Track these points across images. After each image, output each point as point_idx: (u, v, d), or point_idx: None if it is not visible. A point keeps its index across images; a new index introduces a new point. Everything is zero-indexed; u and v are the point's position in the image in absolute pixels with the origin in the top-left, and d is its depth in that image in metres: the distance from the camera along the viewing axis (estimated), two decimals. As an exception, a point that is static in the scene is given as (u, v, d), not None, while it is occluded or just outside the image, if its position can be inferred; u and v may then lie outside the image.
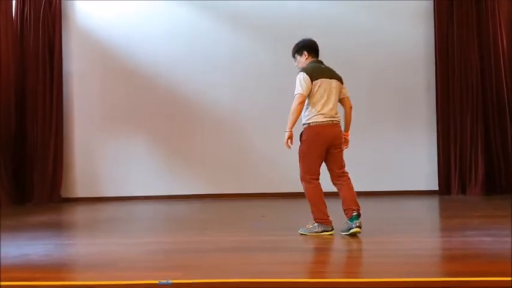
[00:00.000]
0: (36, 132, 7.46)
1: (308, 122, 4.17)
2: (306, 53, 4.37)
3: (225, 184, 7.39)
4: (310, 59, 4.34)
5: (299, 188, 7.13)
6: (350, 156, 7.21)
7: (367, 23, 7.34)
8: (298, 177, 4.29)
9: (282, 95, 7.49)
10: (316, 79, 4.15)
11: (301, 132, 4.24)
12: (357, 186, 7.10)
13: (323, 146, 4.13)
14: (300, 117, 4.19)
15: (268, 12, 7.42)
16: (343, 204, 4.18)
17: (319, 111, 4.11)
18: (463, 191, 6.95)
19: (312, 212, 4.24)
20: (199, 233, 4.56)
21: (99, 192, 7.50)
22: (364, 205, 6.33)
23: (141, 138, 7.56)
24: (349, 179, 4.26)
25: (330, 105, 4.18)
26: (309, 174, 4.18)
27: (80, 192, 7.56)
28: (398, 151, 7.25)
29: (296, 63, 4.40)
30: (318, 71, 4.20)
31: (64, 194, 7.49)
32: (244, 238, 4.20)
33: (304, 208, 6.36)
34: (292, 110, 4.14)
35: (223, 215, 5.99)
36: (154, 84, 7.52)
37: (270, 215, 5.62)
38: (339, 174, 4.24)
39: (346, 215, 4.13)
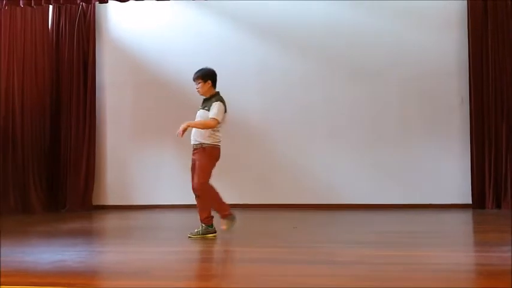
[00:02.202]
0: (69, 141, 7.63)
1: (214, 143, 4.77)
2: (210, 82, 4.81)
3: (253, 194, 7.39)
4: (212, 89, 4.83)
5: (329, 199, 7.19)
6: (381, 169, 7.25)
7: (397, 31, 7.27)
8: (196, 186, 4.77)
9: (310, 104, 7.53)
10: (226, 111, 4.80)
11: (204, 148, 4.73)
12: (387, 199, 7.12)
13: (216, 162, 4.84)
14: (197, 134, 4.75)
15: (296, 22, 7.44)
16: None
17: (220, 137, 4.82)
18: (498, 204, 6.77)
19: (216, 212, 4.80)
20: (229, 242, 4.57)
21: (129, 200, 7.61)
22: (395, 218, 6.30)
23: (170, 148, 7.64)
24: None
25: None
26: (208, 182, 4.82)
27: (111, 200, 7.69)
28: (429, 163, 7.12)
29: (198, 87, 4.83)
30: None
31: (95, 201, 7.63)
32: (274, 249, 4.18)
33: (333, 219, 6.34)
34: (203, 124, 4.70)
35: (252, 226, 5.98)
36: (184, 95, 7.57)
37: (301, 226, 5.58)
38: None
39: (208, 220, 4.76)
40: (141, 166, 7.64)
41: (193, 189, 4.79)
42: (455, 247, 4.25)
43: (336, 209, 6.99)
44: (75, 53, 7.68)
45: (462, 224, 6.09)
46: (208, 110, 4.70)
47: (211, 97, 4.77)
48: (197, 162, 4.76)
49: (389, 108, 7.27)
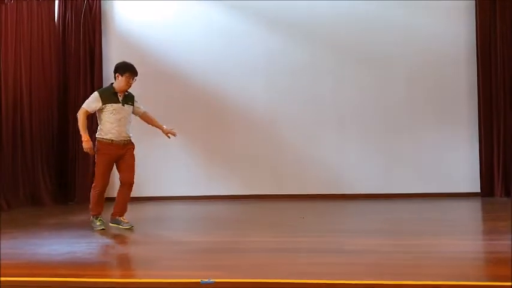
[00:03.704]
0: (77, 134, 7.57)
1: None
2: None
3: (262, 185, 7.40)
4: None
5: (337, 189, 7.20)
6: (389, 158, 7.24)
7: (405, 19, 7.20)
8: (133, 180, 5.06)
9: (318, 94, 7.51)
10: None
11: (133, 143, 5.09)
12: (395, 188, 7.12)
13: None
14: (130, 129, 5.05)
15: (304, 11, 7.38)
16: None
17: None
18: (507, 193, 6.74)
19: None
20: (239, 233, 4.60)
21: (138, 192, 7.56)
22: (404, 207, 6.30)
23: (179, 139, 7.63)
24: None
25: None
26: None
27: (119, 192, 7.71)
28: (438, 152, 7.09)
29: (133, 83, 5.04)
30: None
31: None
32: (284, 239, 4.20)
33: (342, 209, 6.36)
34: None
35: (262, 216, 6.01)
36: (192, 87, 7.62)
37: (309, 216, 5.60)
38: None
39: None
40: (150, 157, 7.66)
41: (132, 182, 5.03)
42: (464, 235, 4.25)
43: (344, 198, 7.00)
44: (82, 46, 7.69)
45: (471, 212, 6.08)
46: (133, 105, 5.06)
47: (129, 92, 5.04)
48: (130, 158, 5.01)
49: (397, 97, 7.24)
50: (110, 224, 4.98)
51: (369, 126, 7.25)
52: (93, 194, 4.96)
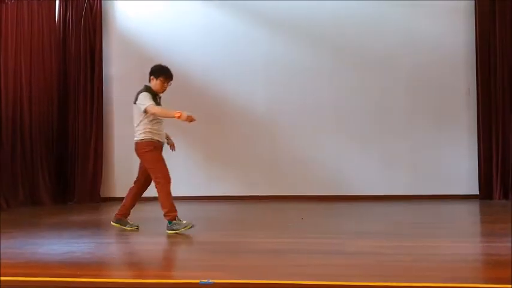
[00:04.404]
0: (77, 134, 7.67)
1: None
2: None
3: (262, 186, 7.41)
4: None
5: (336, 190, 7.20)
6: (388, 159, 7.24)
7: (404, 21, 7.22)
8: None
9: (317, 95, 7.51)
10: None
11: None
12: (395, 190, 7.11)
13: None
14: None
15: (304, 12, 7.39)
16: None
17: None
18: (506, 195, 6.75)
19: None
20: (238, 234, 4.60)
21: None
22: (403, 209, 6.30)
23: (179, 140, 7.61)
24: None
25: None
26: None
27: (119, 192, 7.71)
28: (437, 154, 7.10)
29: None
30: None
31: (103, 193, 7.68)
32: (283, 240, 4.21)
33: (340, 210, 6.35)
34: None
35: (261, 217, 6.02)
36: (191, 87, 7.61)
37: (309, 217, 5.60)
38: None
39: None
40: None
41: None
42: (463, 238, 4.26)
43: (343, 200, 7.00)
44: (82, 46, 7.70)
45: (470, 214, 6.08)
46: None
47: None
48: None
49: (396, 99, 7.25)
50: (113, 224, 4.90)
51: (368, 128, 7.26)
52: (162, 192, 4.69)
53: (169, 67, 5.09)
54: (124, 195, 7.60)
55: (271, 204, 6.93)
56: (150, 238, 4.52)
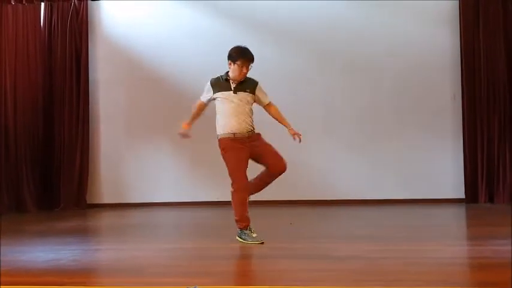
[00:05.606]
0: (63, 139, 7.59)
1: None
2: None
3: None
4: None
5: (324, 195, 7.20)
6: (375, 164, 7.28)
7: (390, 26, 7.25)
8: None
9: (305, 99, 7.53)
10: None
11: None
12: (382, 194, 7.15)
13: None
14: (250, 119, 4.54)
15: (291, 17, 7.40)
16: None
17: None
18: (491, 199, 6.82)
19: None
20: (226, 239, 4.57)
21: (124, 198, 7.57)
22: (390, 213, 6.33)
23: (166, 145, 7.61)
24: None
25: None
26: None
27: (105, 198, 7.65)
28: (422, 158, 7.14)
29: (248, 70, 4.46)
30: None
31: (90, 200, 7.59)
32: (272, 245, 4.19)
33: (328, 215, 6.36)
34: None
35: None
36: (179, 92, 7.56)
37: (297, 222, 5.60)
38: None
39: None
40: (136, 164, 7.61)
41: (283, 170, 4.50)
42: (449, 241, 4.28)
43: (331, 204, 7.01)
44: (68, 50, 7.62)
45: (456, 218, 6.14)
46: (253, 93, 4.45)
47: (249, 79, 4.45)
48: (265, 147, 4.49)
49: (382, 103, 7.30)
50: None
51: (355, 132, 7.29)
52: (235, 199, 4.34)
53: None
54: (111, 201, 7.62)
55: (260, 209, 6.89)
56: (137, 244, 4.48)
